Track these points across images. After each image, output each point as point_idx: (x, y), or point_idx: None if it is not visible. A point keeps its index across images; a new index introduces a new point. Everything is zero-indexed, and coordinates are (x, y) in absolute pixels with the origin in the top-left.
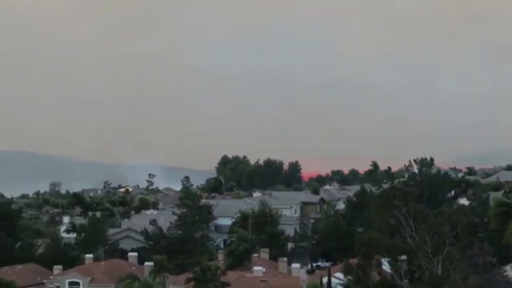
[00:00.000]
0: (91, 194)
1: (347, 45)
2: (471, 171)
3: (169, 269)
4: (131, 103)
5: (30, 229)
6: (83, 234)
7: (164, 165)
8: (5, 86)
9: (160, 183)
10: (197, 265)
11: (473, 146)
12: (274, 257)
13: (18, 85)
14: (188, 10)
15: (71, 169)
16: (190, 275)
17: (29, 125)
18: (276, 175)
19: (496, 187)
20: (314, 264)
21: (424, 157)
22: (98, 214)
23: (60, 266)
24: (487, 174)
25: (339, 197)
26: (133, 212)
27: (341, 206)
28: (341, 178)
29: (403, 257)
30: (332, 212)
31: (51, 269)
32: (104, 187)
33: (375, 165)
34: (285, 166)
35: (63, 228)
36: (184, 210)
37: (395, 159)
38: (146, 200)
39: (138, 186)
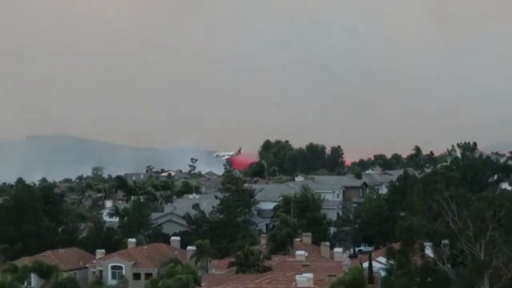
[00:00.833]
0: (134, 178)
1: (390, 34)
2: None
3: (211, 253)
4: (175, 89)
5: (73, 213)
6: (126, 218)
7: (207, 150)
8: (52, 74)
9: (202, 168)
10: (240, 249)
11: None
12: (316, 242)
13: (64, 72)
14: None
15: (114, 154)
16: (233, 260)
17: (72, 111)
18: (319, 160)
19: None
20: (357, 249)
21: (467, 141)
22: (141, 198)
23: (103, 250)
24: None
25: (382, 181)
26: (175, 196)
27: (383, 190)
28: (383, 162)
29: (446, 241)
30: (374, 197)
31: (93, 253)
32: (147, 171)
33: (417, 150)
34: (328, 151)
35: (105, 212)
36: (227, 194)
37: (438, 144)
38: (188, 184)
39: (180, 171)
